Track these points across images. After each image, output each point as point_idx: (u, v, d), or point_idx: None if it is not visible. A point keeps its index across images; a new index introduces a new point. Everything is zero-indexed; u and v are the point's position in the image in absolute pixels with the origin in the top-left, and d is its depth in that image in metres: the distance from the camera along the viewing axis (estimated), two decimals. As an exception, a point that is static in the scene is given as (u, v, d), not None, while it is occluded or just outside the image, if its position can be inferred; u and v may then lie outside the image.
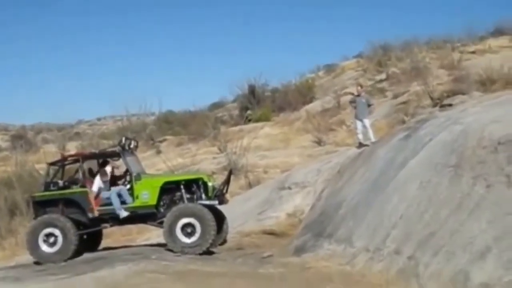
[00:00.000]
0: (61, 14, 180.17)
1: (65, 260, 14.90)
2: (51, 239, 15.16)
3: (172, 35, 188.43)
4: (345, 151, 22.36)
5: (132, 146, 16.86)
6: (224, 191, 15.94)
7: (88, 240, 16.65)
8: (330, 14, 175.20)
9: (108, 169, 16.52)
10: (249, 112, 50.34)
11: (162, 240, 15.86)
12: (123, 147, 16.29)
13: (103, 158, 16.94)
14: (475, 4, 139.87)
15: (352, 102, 23.90)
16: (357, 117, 22.90)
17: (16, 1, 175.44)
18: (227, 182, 16.16)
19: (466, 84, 32.16)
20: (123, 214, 15.17)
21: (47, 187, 16.07)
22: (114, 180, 16.43)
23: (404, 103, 36.33)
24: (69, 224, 15.23)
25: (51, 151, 45.00)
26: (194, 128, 46.99)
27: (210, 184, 15.70)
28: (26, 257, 16.48)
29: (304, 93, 51.46)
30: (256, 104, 51.21)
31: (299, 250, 14.34)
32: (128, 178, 16.07)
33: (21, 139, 64.08)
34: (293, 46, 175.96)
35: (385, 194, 13.12)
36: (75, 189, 15.86)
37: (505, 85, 28.29)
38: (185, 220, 14.68)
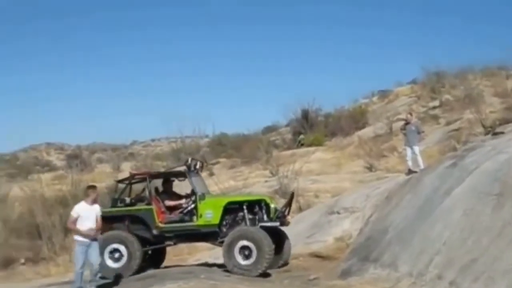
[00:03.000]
0: (119, 34, 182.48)
1: (129, 276, 15.32)
2: (116, 255, 15.62)
3: (227, 56, 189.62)
4: (395, 178, 22.52)
5: (197, 166, 17.25)
6: (286, 213, 16.15)
7: (152, 257, 17.10)
8: (386, 39, 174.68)
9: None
10: (301, 136, 50.64)
11: (212, 260, 16.25)
12: (189, 167, 16.63)
13: (169, 177, 17.42)
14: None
15: (402, 129, 24.10)
16: (407, 144, 23.10)
17: (77, 26, 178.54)
18: (289, 204, 16.46)
19: (519, 112, 32.10)
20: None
21: (114, 204, 16.59)
22: (177, 199, 16.88)
23: (456, 130, 36.30)
24: (134, 241, 15.70)
25: (106, 171, 46.01)
26: (247, 151, 47.48)
27: (272, 206, 15.99)
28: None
29: (357, 119, 51.69)
30: (309, 129, 51.52)
31: (345, 274, 14.51)
32: (193, 197, 16.29)
33: (77, 159, 65.04)
34: (347, 71, 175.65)
35: (429, 220, 13.34)
36: (141, 206, 16.29)
37: (559, 115, 28.21)
38: (243, 243, 14.90)
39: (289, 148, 48.53)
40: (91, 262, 13.34)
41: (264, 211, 15.82)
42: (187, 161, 16.97)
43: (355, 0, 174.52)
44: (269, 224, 15.51)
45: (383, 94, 66.51)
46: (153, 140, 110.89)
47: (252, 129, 62.37)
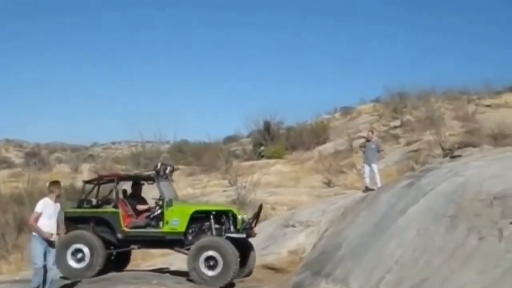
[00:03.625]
0: (81, 34, 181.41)
1: (91, 277, 15.19)
2: (79, 255, 15.43)
3: (192, 63, 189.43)
4: (352, 194, 22.70)
5: (167, 171, 17.08)
6: (253, 224, 16.14)
7: (116, 260, 17.00)
8: (352, 56, 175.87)
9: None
10: (262, 148, 50.87)
11: (165, 266, 16.16)
12: (158, 172, 16.50)
13: (138, 181, 17.39)
14: (496, 59, 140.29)
15: (362, 146, 24.31)
16: (366, 161, 23.32)
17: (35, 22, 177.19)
18: (257, 216, 16.44)
19: (478, 137, 32.59)
20: None
21: (80, 204, 16.40)
22: (145, 204, 16.93)
23: (415, 151, 36.74)
24: (97, 242, 15.53)
25: (64, 171, 45.60)
26: (206, 160, 47.45)
27: (239, 217, 15.89)
28: (30, 273, 16.79)
29: (318, 134, 52.04)
30: (270, 141, 51.73)
31: (297, 287, 14.51)
32: (160, 203, 16.16)
33: (35, 157, 64.35)
34: (312, 85, 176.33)
35: (383, 238, 13.40)
36: (107, 208, 16.16)
37: (516, 140, 28.62)
38: (208, 253, 14.83)
39: (249, 159, 48.66)
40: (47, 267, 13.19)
41: (231, 221, 15.76)
42: (156, 166, 16.84)
43: (322, 13, 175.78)
44: (235, 235, 15.48)
45: (346, 111, 67.11)
46: (113, 143, 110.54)
47: (213, 137, 62.38)
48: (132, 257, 21.57)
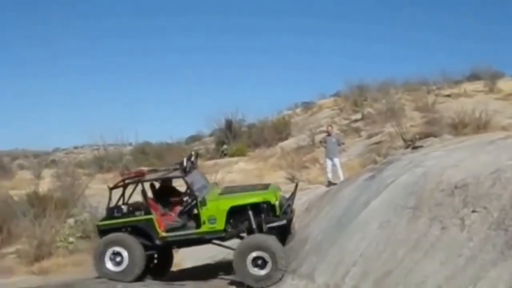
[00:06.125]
0: (42, 41, 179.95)
1: (130, 281, 14.92)
2: (118, 258, 15.12)
3: (151, 66, 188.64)
4: (315, 189, 22.72)
5: (194, 161, 16.63)
6: (292, 206, 15.99)
7: (158, 262, 16.95)
8: (312, 50, 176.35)
9: None
10: (225, 146, 50.73)
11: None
12: (185, 170, 15.78)
13: (165, 181, 16.82)
14: (453, 48, 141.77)
15: (322, 141, 24.38)
16: (327, 156, 23.39)
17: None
18: (293, 195, 16.30)
19: (438, 127, 32.74)
20: None
21: (110, 214, 15.79)
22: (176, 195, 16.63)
23: (377, 143, 36.92)
24: (136, 245, 15.18)
25: (26, 178, 45.06)
26: (169, 160, 47.07)
27: (276, 203, 15.33)
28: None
29: (280, 130, 52.05)
30: (232, 139, 51.62)
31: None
32: (189, 199, 15.75)
33: (-3, 164, 63.47)
34: (271, 82, 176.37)
35: (347, 232, 13.46)
36: (140, 216, 15.50)
37: (476, 129, 28.88)
38: (254, 254, 14.49)
39: (212, 158, 48.46)
40: None
41: (269, 211, 15.33)
42: (182, 163, 15.95)
43: (279, 11, 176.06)
44: (277, 223, 15.30)
45: (307, 106, 67.25)
46: (76, 148, 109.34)
47: (176, 138, 62.09)
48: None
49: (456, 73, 58.02)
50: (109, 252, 15.12)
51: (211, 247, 16.40)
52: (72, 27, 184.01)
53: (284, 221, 15.44)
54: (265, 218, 15.29)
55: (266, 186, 16.60)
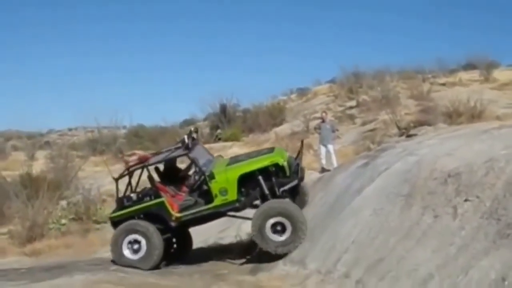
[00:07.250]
0: (37, 24, 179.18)
1: (149, 269, 14.81)
2: (135, 246, 15.02)
3: (147, 50, 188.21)
4: (309, 175, 22.70)
5: (195, 137, 16.49)
6: (300, 163, 15.78)
7: (177, 246, 17.00)
8: (307, 36, 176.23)
9: None
10: (219, 131, 50.75)
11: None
12: (187, 147, 15.56)
13: (170, 161, 16.65)
14: (449, 37, 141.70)
15: (317, 128, 24.40)
16: (321, 142, 23.42)
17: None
18: (299, 153, 16.22)
19: (433, 115, 32.79)
20: None
21: (121, 204, 15.64)
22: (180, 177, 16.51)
23: (371, 130, 36.99)
24: (152, 229, 15.05)
25: (20, 159, 45.02)
26: (163, 144, 47.11)
27: (285, 163, 15.09)
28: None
29: (274, 115, 52.09)
30: (226, 124, 51.67)
31: (255, 270, 14.51)
32: (196, 175, 15.74)
33: (-10, 145, 63.36)
34: (267, 67, 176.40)
35: (340, 219, 13.46)
36: (151, 201, 15.36)
37: (471, 118, 28.94)
38: (272, 220, 14.24)
39: (206, 142, 48.34)
40: None
41: (279, 173, 15.09)
42: (183, 141, 15.67)
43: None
44: (289, 185, 15.00)
45: (302, 92, 67.34)
46: (70, 129, 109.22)
47: (170, 121, 62.10)
48: (90, 243, 21.52)
49: (452, 62, 58.31)
50: (126, 241, 15.02)
51: (203, 231, 16.40)
52: (67, 8, 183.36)
53: (296, 181, 15.13)
54: (276, 182, 15.01)
55: (271, 150, 16.47)
